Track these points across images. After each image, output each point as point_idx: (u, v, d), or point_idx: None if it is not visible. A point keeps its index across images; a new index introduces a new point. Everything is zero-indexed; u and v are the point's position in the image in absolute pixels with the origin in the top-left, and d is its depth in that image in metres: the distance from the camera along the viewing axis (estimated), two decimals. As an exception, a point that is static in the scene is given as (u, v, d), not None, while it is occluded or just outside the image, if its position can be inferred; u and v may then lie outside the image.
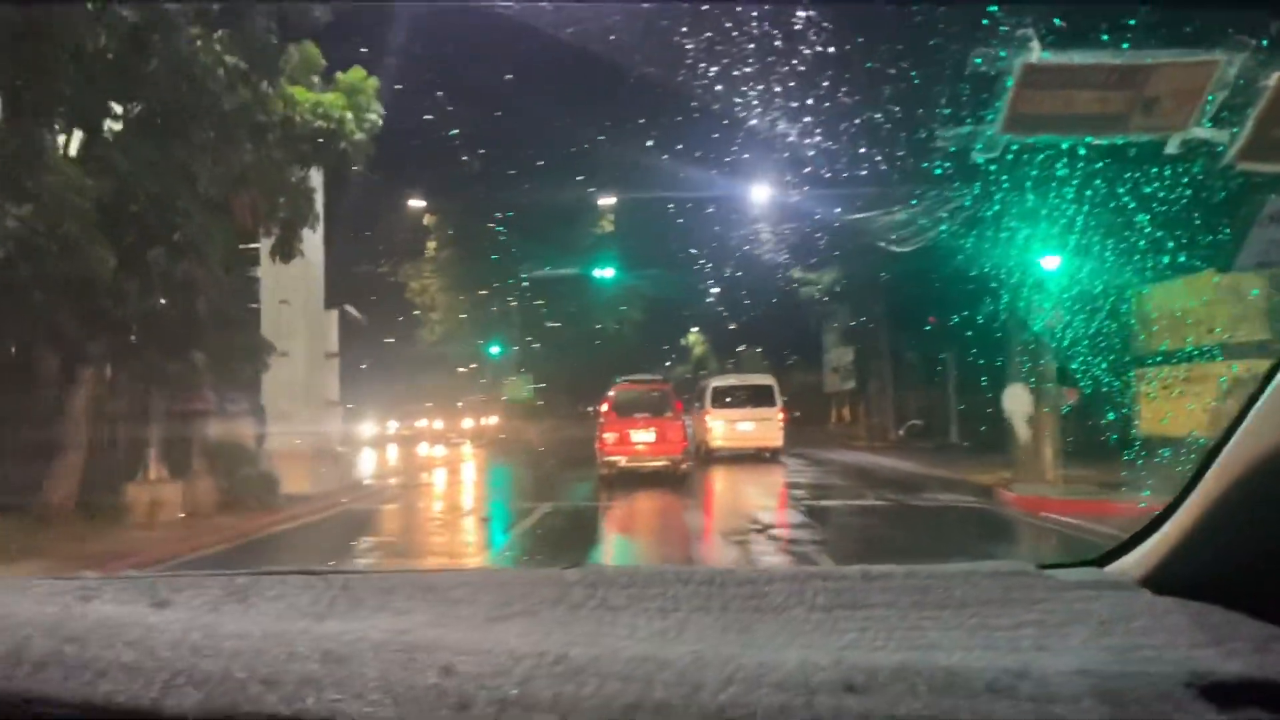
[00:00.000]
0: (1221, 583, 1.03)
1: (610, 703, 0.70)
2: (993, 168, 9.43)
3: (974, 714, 0.68)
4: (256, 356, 11.03)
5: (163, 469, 9.76)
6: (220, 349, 10.40)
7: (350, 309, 15.93)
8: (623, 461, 14.36)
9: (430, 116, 37.58)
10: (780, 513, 12.18)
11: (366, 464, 21.68)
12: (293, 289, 13.88)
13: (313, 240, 14.35)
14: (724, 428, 20.07)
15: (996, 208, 13.18)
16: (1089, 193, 10.59)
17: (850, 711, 0.68)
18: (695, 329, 72.39)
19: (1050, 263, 13.13)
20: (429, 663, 0.75)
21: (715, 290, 53.55)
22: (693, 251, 43.89)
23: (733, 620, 1.03)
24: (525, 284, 38.38)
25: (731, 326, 55.72)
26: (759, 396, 20.01)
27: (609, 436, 14.51)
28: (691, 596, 1.11)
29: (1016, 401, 14.08)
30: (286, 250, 10.72)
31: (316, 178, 12.68)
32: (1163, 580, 1.13)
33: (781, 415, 20.22)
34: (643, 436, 14.48)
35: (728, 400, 20.38)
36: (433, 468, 22.84)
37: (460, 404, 39.89)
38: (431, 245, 39.98)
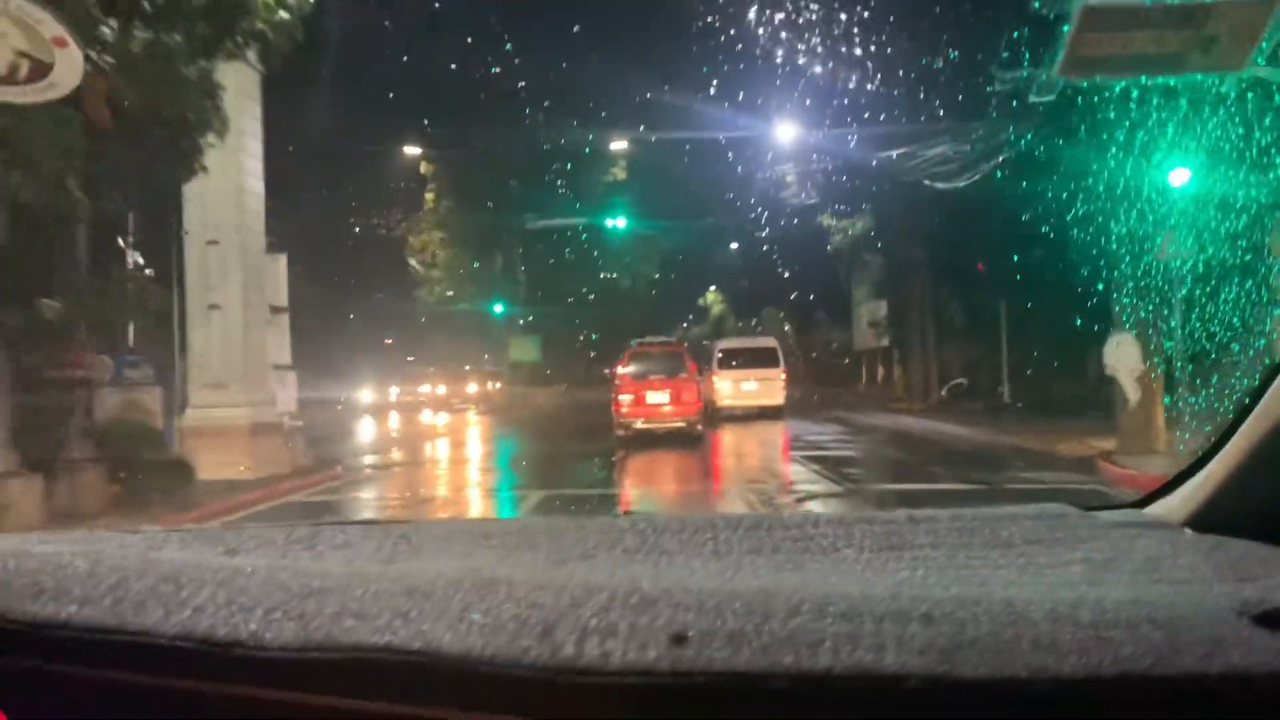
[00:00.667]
0: (1264, 522, 1.04)
1: (689, 627, 0.72)
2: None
3: (1036, 640, 0.69)
4: (140, 306, 8.40)
5: (11, 456, 7.21)
6: (95, 297, 7.81)
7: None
8: (639, 423, 14.31)
9: (427, 51, 34.66)
10: (843, 505, 9.46)
11: (343, 438, 19.06)
12: (223, 227, 11.16)
13: (250, 168, 11.65)
14: (730, 388, 20.89)
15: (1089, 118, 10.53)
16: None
17: (916, 638, 0.69)
18: (714, 287, 69.24)
19: (1179, 177, 10.27)
20: (508, 595, 0.78)
21: (735, 244, 50.36)
22: (712, 201, 40.85)
23: (785, 560, 1.07)
24: (531, 237, 35.46)
25: (749, 282, 52.51)
26: (762, 358, 21.04)
27: (624, 398, 14.46)
28: (742, 540, 1.14)
29: (1124, 355, 11.24)
30: (181, 163, 8.03)
31: (241, 80, 10.02)
32: (1206, 520, 1.15)
33: (783, 375, 21.14)
34: (658, 398, 14.44)
35: (734, 362, 21.28)
36: (422, 441, 20.21)
37: (466, 367, 37.29)
38: (430, 196, 37.13)
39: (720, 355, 21.40)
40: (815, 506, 8.98)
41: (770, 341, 22.95)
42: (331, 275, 30.36)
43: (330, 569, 0.91)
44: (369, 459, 15.71)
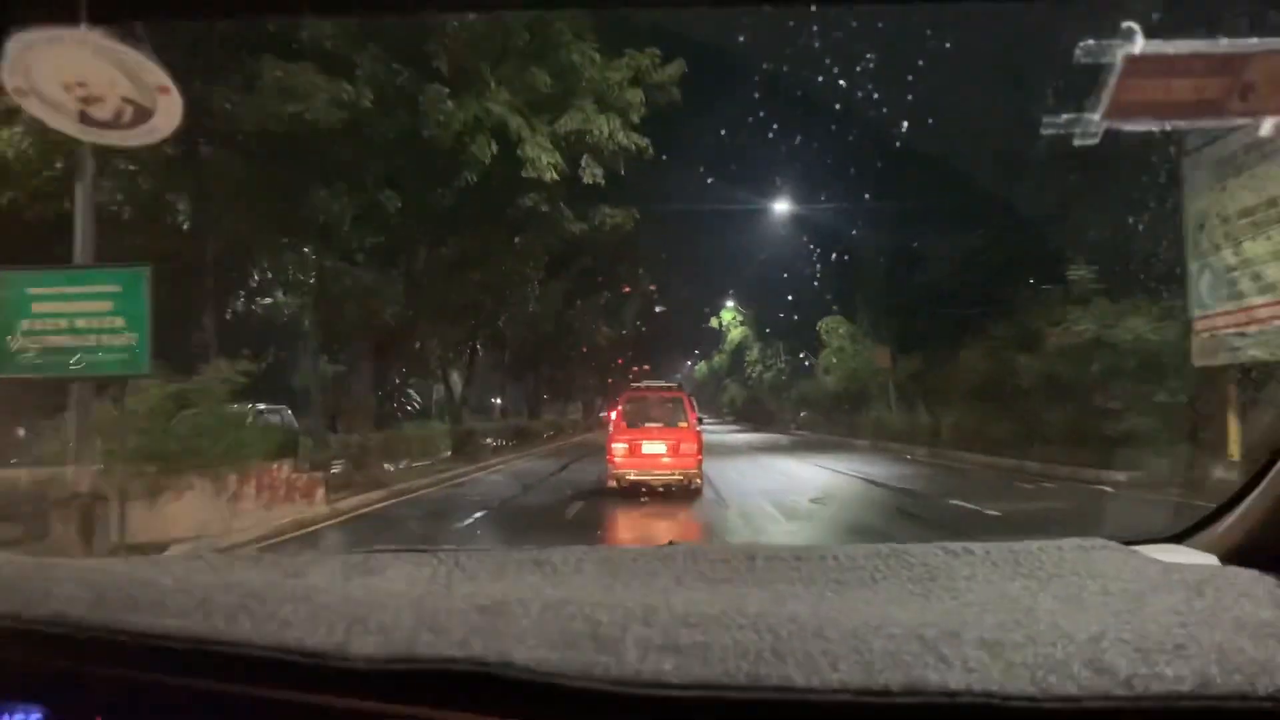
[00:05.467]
0: None
1: (746, 649, 0.75)
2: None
3: (1085, 661, 0.70)
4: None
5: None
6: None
7: None
8: (632, 474, 13.39)
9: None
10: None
11: None
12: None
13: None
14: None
15: None
16: None
17: (970, 658, 0.71)
18: (731, 302, 58.59)
19: None
20: (574, 613, 0.82)
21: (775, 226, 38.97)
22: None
23: (830, 590, 1.08)
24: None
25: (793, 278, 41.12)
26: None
27: (618, 447, 13.57)
28: (788, 571, 1.16)
29: None
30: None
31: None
32: (1243, 554, 1.17)
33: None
34: (654, 448, 13.53)
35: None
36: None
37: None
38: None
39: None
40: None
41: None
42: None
43: (397, 588, 1.00)
44: None
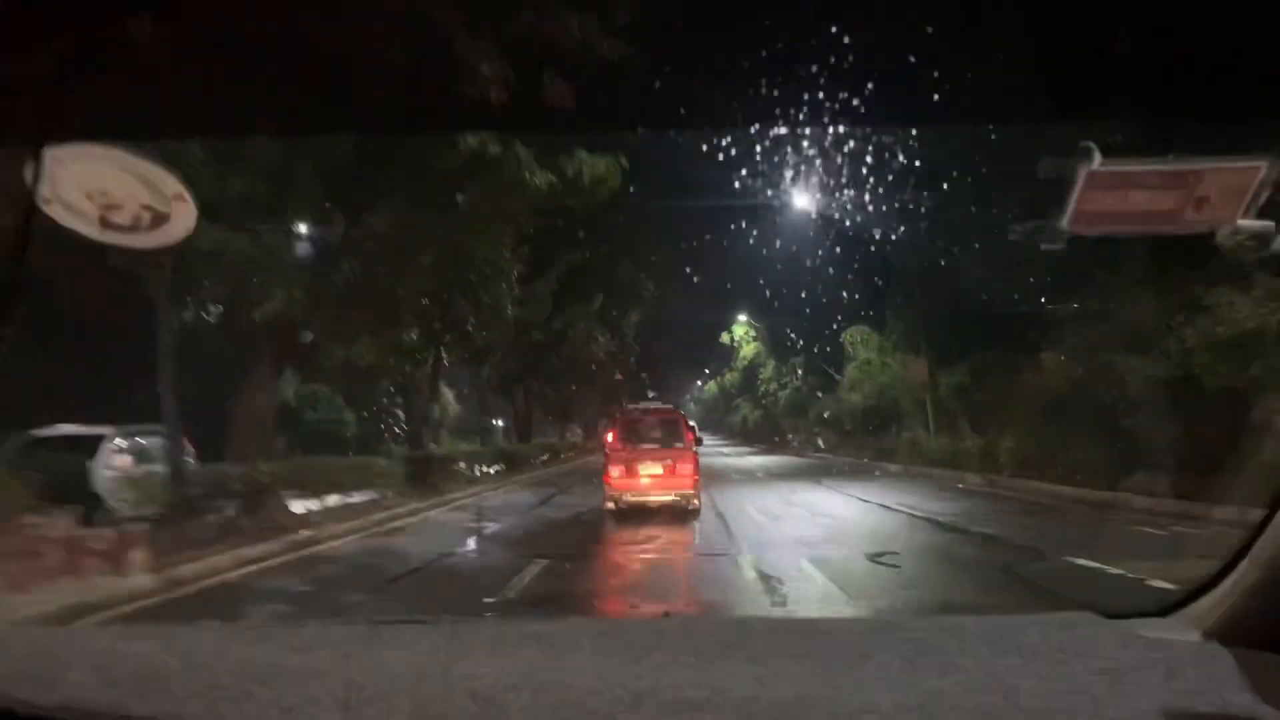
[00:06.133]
0: None
1: None
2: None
3: None
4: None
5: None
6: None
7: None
8: (628, 496, 13.40)
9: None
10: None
11: None
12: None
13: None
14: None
15: None
16: None
17: None
18: (743, 317, 54.59)
19: None
20: (567, 699, 0.89)
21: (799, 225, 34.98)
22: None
23: (819, 666, 1.10)
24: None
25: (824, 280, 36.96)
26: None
27: (614, 470, 13.56)
28: (779, 644, 1.23)
29: None
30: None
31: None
32: (1225, 631, 1.19)
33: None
34: (650, 469, 13.47)
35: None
36: None
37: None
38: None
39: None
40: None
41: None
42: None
43: (397, 670, 1.04)
44: None
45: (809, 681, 1.01)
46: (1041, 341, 17.06)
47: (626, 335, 27.86)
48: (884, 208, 28.88)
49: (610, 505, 13.44)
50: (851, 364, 30.87)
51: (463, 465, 20.22)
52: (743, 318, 51.19)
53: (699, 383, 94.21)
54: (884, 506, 14.52)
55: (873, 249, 30.43)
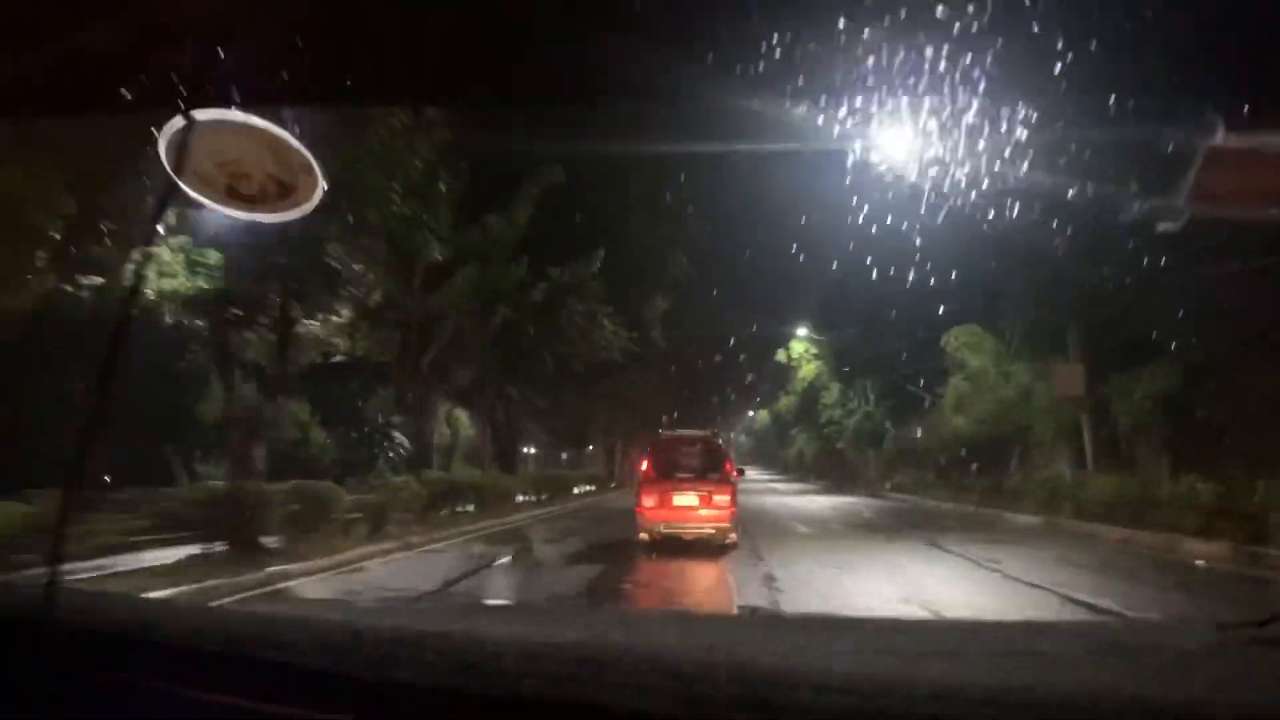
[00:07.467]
0: None
1: (838, 710, 0.78)
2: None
3: None
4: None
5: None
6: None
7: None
8: (662, 528, 12.74)
9: None
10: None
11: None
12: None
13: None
14: None
15: None
16: None
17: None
18: (803, 330, 46.28)
19: None
20: (666, 668, 0.89)
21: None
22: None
23: (913, 659, 1.13)
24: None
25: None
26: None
27: (648, 500, 12.96)
28: (867, 639, 1.24)
29: None
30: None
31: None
32: None
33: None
34: (685, 500, 12.79)
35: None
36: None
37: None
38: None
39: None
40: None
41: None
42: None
43: (500, 635, 1.13)
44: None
45: (906, 668, 1.01)
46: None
47: (651, 329, 20.49)
48: (992, 182, 21.07)
49: (644, 537, 12.90)
50: (956, 375, 22.94)
51: (359, 514, 12.64)
52: (802, 332, 43.25)
53: (750, 413, 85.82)
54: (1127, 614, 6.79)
55: (977, 241, 22.68)
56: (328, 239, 10.40)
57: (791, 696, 0.78)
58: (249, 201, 2.21)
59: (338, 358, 19.01)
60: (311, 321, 17.52)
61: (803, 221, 26.03)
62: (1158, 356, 14.92)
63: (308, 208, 2.26)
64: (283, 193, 2.22)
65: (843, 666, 0.95)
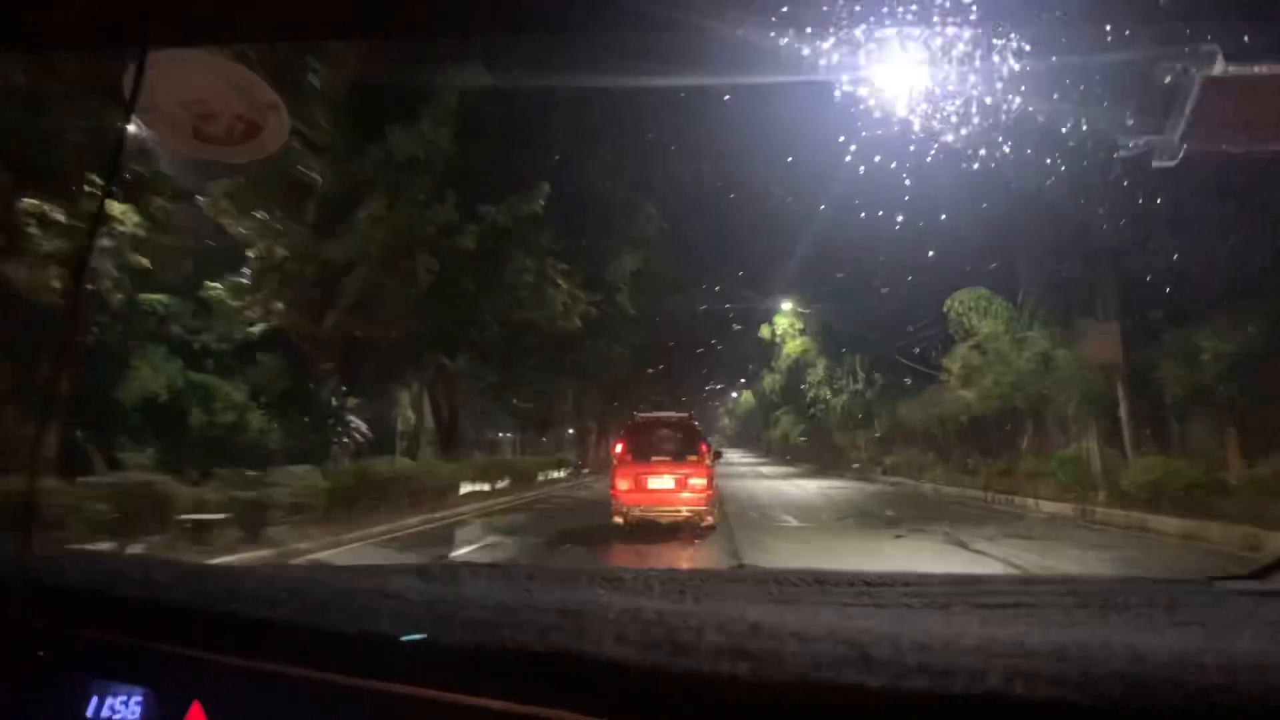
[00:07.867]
0: None
1: (821, 658, 0.75)
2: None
3: (1166, 679, 0.69)
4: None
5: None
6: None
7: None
8: (637, 511, 12.56)
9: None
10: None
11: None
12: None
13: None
14: None
15: None
16: None
17: (1046, 671, 0.70)
18: (788, 304, 43.53)
19: None
20: (651, 619, 0.83)
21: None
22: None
23: (904, 612, 1.10)
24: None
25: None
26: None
27: (622, 483, 12.79)
28: (859, 595, 1.18)
29: None
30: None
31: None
32: None
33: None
34: (660, 483, 12.60)
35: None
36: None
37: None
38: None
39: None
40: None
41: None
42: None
43: (478, 594, 1.03)
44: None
45: (895, 621, 0.97)
46: None
47: (617, 291, 17.76)
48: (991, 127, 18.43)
49: (618, 520, 12.58)
50: (961, 345, 20.37)
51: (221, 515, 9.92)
52: (787, 306, 40.59)
53: (734, 394, 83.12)
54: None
55: (984, 193, 20.06)
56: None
57: (775, 645, 0.76)
58: (215, 143, 2.13)
59: (256, 328, 16.28)
60: (214, 285, 14.78)
61: (790, 169, 23.29)
62: (1216, 314, 12.35)
63: (274, 147, 2.18)
64: (249, 133, 2.13)
65: (830, 617, 0.91)
